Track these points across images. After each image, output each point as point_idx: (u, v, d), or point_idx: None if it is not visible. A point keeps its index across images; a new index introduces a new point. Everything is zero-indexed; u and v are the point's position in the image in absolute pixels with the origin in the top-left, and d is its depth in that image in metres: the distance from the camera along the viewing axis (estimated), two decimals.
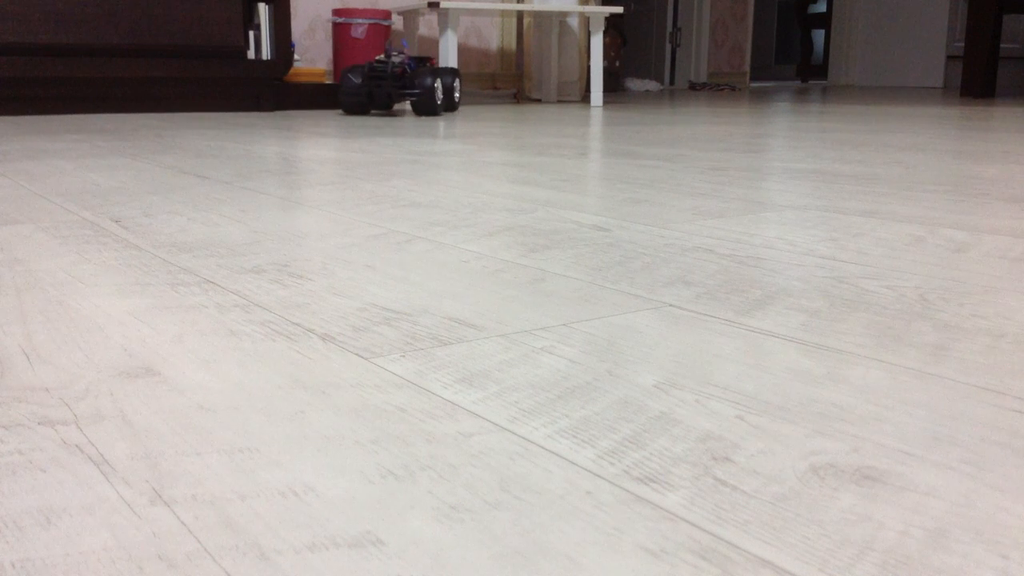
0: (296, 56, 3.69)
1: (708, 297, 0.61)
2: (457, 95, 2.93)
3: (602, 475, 0.34)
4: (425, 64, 2.85)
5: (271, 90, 3.00)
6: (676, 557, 0.29)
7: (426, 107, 2.71)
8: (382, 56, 2.74)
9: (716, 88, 5.40)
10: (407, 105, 3.39)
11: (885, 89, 5.50)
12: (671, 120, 2.63)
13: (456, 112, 2.98)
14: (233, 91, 2.95)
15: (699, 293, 0.62)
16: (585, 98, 3.92)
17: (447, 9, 3.14)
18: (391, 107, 2.79)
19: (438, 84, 2.72)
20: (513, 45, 4.38)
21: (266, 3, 3.03)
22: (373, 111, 2.93)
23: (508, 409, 0.41)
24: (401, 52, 2.76)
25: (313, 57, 3.82)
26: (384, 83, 2.71)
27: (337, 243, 0.80)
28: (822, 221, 0.91)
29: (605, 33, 4.69)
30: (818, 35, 8.03)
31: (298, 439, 0.38)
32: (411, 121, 2.54)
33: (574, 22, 3.75)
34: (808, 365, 0.47)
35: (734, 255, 0.75)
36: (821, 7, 7.54)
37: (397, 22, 4.03)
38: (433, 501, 0.32)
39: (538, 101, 3.82)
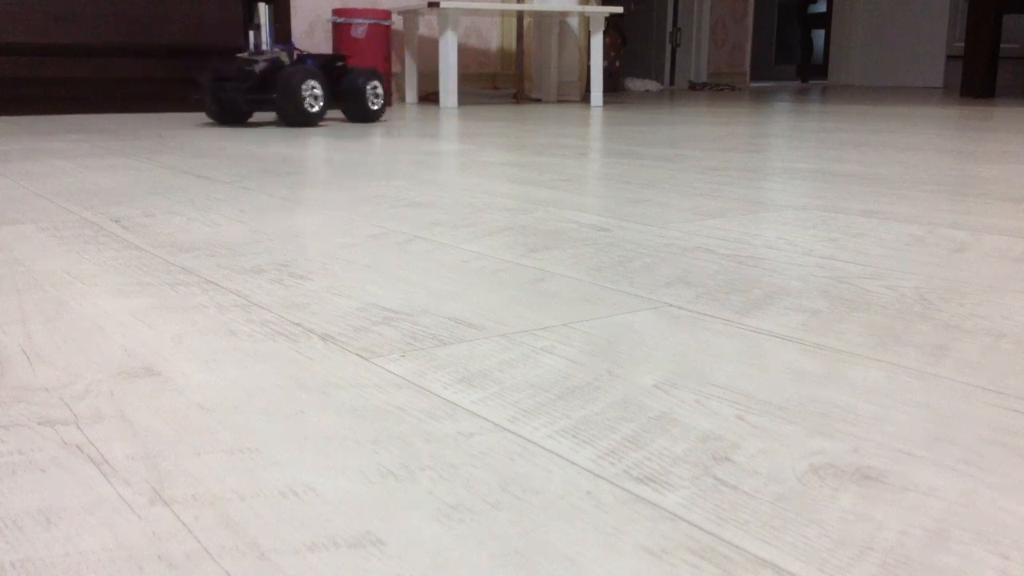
0: None
1: (708, 297, 0.61)
2: (378, 101, 2.42)
3: (602, 475, 0.34)
4: (337, 63, 2.39)
5: None
6: (676, 557, 0.29)
7: (289, 114, 2.20)
8: (246, 53, 2.32)
9: (716, 88, 5.40)
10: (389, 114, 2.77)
11: (885, 89, 5.50)
12: (671, 120, 2.63)
13: (380, 122, 2.49)
14: None
15: (699, 293, 0.62)
16: (585, 98, 3.92)
17: (447, 9, 3.14)
18: (289, 116, 2.22)
19: (311, 87, 2.20)
20: (513, 45, 4.38)
21: (266, 3, 3.03)
22: (284, 120, 2.29)
23: (508, 409, 0.41)
24: (270, 47, 2.30)
25: None
26: (232, 86, 2.23)
27: (337, 243, 0.80)
28: (822, 221, 0.91)
29: (605, 33, 4.69)
30: (818, 35, 8.03)
31: (298, 439, 0.38)
32: (409, 123, 2.54)
33: (574, 22, 3.75)
34: (808, 365, 0.47)
35: (734, 255, 0.75)
36: (821, 7, 7.53)
37: (397, 22, 4.04)
38: (433, 501, 0.32)
39: (538, 101, 3.82)
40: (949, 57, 6.00)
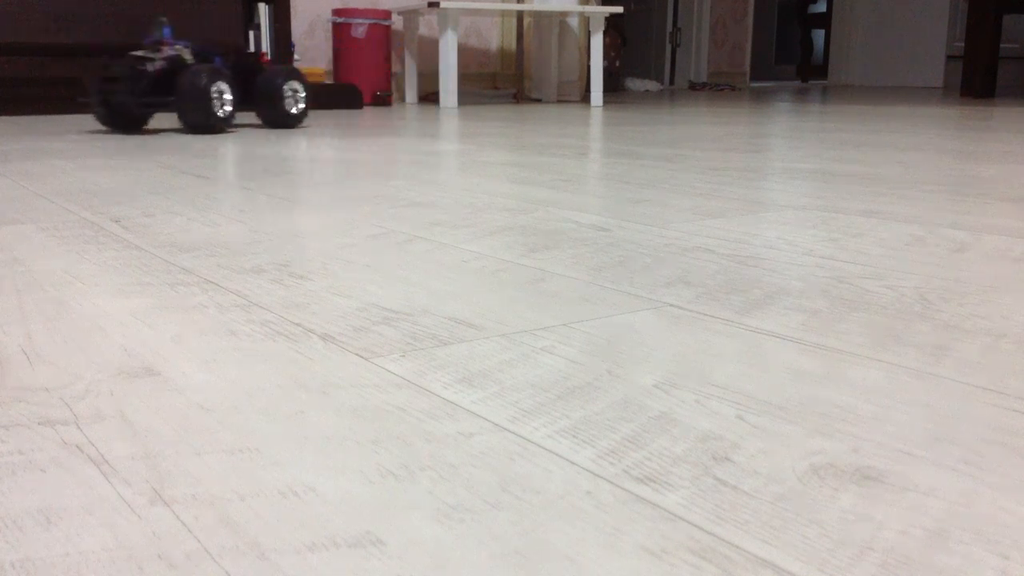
0: (296, 56, 3.69)
1: (708, 297, 0.61)
2: (298, 104, 2.19)
3: (602, 475, 0.34)
4: (250, 60, 2.17)
5: None
6: (676, 557, 0.29)
7: (195, 119, 1.97)
8: (142, 51, 2.03)
9: (716, 88, 5.40)
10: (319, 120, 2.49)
11: (885, 89, 5.50)
12: (671, 120, 2.63)
13: (299, 128, 2.24)
14: None
15: (699, 293, 0.62)
16: (585, 98, 3.92)
17: (447, 9, 3.14)
18: (194, 121, 1.98)
19: (219, 89, 1.97)
20: (513, 45, 4.38)
21: (266, 3, 3.03)
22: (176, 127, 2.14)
23: (508, 409, 0.41)
24: (166, 42, 2.02)
25: (313, 57, 3.82)
26: (123, 88, 1.98)
27: (337, 243, 0.80)
28: (822, 221, 0.91)
29: (605, 33, 4.69)
30: (818, 35, 8.03)
31: (298, 439, 0.38)
32: (409, 123, 2.54)
33: (574, 22, 3.75)
34: (808, 365, 0.47)
35: (734, 255, 0.75)
36: (821, 7, 7.53)
37: (397, 22, 4.04)
38: (433, 501, 0.32)
39: (538, 101, 3.82)
40: (949, 57, 6.00)
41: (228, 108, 2.01)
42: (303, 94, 2.20)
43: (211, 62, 2.09)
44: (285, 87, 2.16)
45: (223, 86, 1.99)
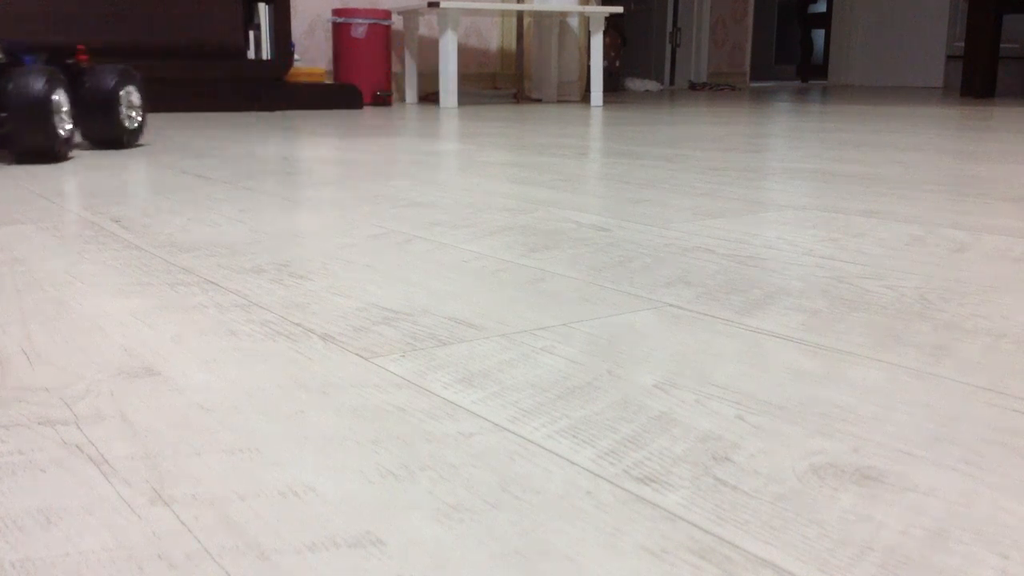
0: (296, 56, 3.69)
1: (708, 297, 0.61)
2: (136, 115, 1.68)
3: (602, 475, 0.34)
4: (72, 59, 1.64)
5: (271, 90, 3.01)
6: (676, 557, 0.29)
7: (33, 140, 1.40)
8: None
9: (716, 88, 5.40)
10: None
11: (885, 89, 5.50)
12: (671, 120, 2.63)
13: (139, 146, 1.73)
14: (233, 91, 2.96)
15: (699, 293, 0.62)
16: (585, 98, 3.92)
17: (447, 9, 3.13)
18: (36, 144, 1.41)
19: (58, 98, 1.43)
20: (513, 45, 4.38)
21: (266, 3, 3.03)
22: None
23: (508, 409, 0.41)
24: None
25: (313, 57, 3.82)
26: None
27: (337, 243, 0.80)
28: (822, 221, 0.91)
29: (605, 33, 4.69)
30: (818, 35, 8.03)
31: (298, 439, 0.38)
32: (408, 123, 2.54)
33: (574, 22, 3.75)
34: (808, 365, 0.47)
35: (734, 255, 0.75)
36: (821, 7, 7.53)
37: (397, 22, 4.03)
38: (433, 501, 0.32)
39: (538, 101, 3.82)
40: (949, 57, 5.99)
41: (68, 126, 1.48)
42: (140, 103, 1.69)
43: (21, 63, 1.53)
44: (121, 92, 1.62)
45: (62, 95, 1.45)
